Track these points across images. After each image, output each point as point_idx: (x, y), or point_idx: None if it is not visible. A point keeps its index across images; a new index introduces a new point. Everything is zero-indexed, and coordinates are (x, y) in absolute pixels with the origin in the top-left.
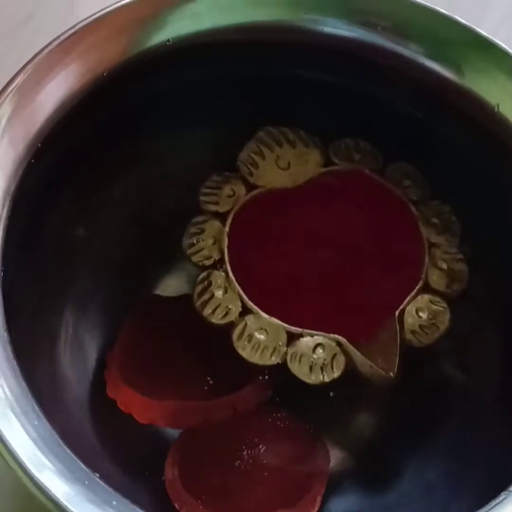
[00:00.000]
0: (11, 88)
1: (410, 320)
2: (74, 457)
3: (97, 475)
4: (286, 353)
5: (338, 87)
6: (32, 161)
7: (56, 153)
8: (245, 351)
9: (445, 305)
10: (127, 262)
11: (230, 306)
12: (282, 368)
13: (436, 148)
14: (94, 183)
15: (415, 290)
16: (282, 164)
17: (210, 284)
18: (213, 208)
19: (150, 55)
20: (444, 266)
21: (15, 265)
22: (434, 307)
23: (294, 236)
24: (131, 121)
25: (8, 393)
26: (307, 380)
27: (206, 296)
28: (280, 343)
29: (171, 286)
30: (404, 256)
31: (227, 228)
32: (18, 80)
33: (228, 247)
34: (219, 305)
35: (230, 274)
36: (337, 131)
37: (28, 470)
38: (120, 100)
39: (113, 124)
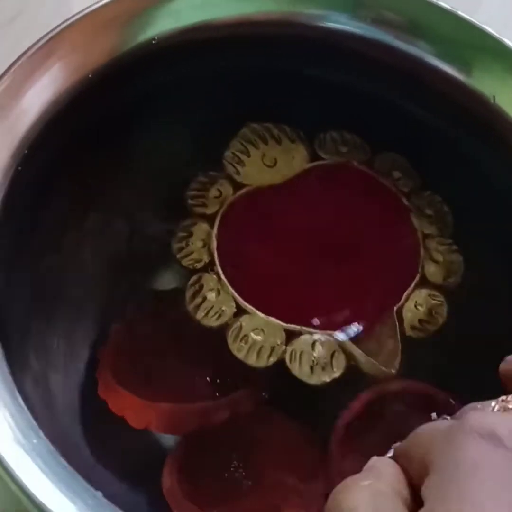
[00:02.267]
0: None
1: (409, 315)
2: (76, 473)
3: (100, 493)
4: (284, 352)
5: (321, 80)
6: (19, 168)
7: (44, 158)
8: (241, 352)
9: (442, 298)
10: (120, 262)
11: (223, 308)
12: (280, 369)
13: (427, 138)
14: (83, 185)
15: (412, 285)
16: (268, 161)
17: (201, 287)
18: (200, 210)
19: (136, 55)
20: (440, 258)
21: (7, 270)
22: (432, 301)
23: (284, 234)
24: (116, 123)
25: (9, 419)
26: (309, 381)
27: (198, 300)
28: (278, 342)
29: (165, 284)
30: (400, 250)
31: (215, 230)
32: None
33: (218, 248)
34: (212, 308)
35: (222, 276)
36: (321, 124)
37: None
38: (106, 101)
39: (100, 126)
